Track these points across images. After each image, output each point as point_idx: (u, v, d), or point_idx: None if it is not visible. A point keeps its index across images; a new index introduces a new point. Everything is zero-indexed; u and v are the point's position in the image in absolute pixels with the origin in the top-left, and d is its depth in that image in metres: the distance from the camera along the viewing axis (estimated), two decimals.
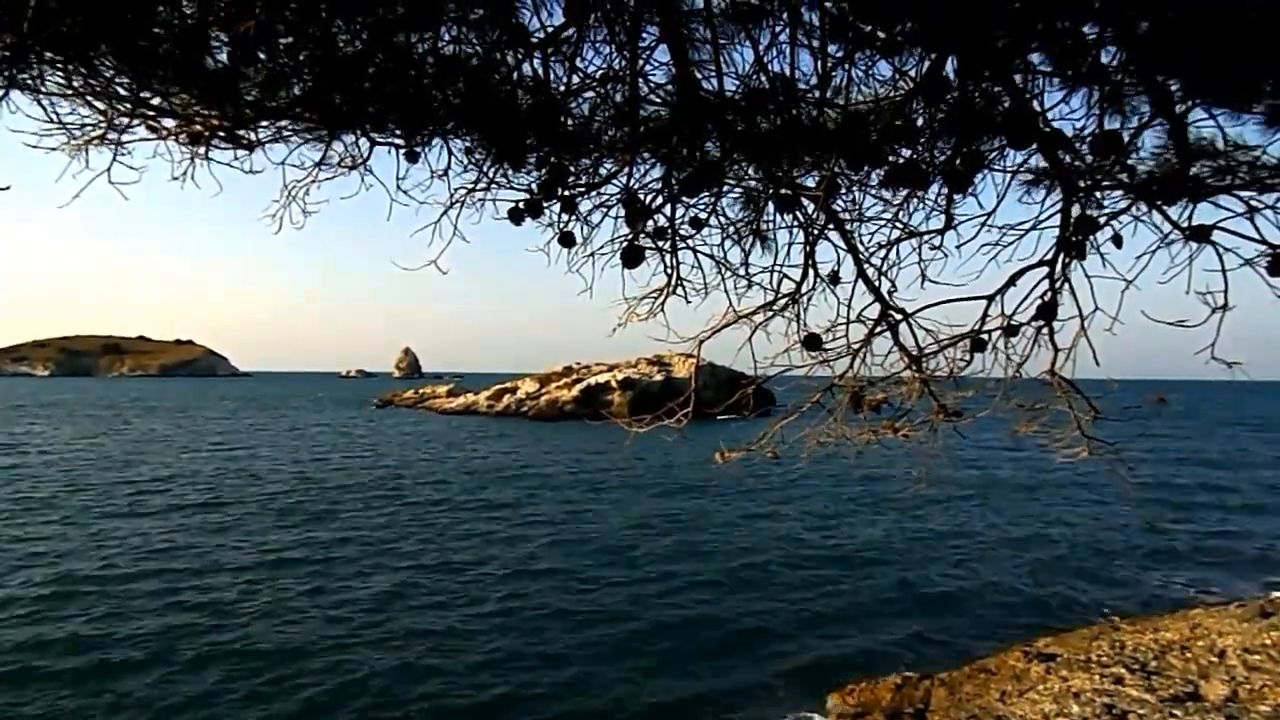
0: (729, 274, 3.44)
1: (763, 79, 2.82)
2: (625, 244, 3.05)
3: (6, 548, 15.12)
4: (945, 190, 3.09)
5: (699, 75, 2.77)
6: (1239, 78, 2.22)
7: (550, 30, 2.60)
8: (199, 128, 2.24)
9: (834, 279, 3.31)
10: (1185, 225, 2.78)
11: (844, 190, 3.25)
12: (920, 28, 2.51)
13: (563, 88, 2.78)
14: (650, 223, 3.24)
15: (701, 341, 3.35)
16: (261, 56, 2.22)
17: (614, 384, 52.34)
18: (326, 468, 28.60)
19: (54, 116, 2.05)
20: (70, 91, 1.97)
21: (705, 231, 3.37)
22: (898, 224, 3.29)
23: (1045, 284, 3.05)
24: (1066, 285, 3.04)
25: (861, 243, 3.29)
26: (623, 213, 3.12)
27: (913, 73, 2.76)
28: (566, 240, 3.19)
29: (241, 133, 2.37)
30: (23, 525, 17.28)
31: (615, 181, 3.15)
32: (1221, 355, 2.82)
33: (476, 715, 8.48)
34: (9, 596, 12.03)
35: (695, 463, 28.38)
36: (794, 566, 14.72)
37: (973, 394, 3.34)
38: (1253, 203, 2.63)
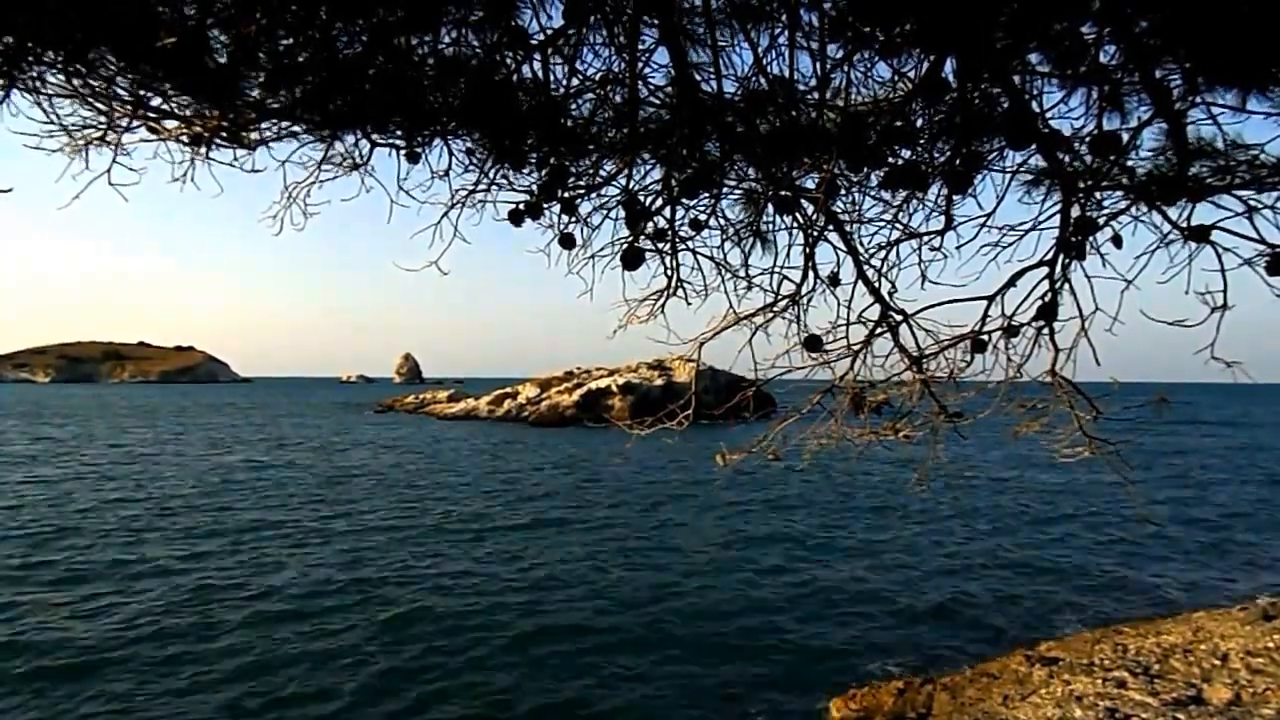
0: (729, 275, 3.44)
1: (762, 81, 2.83)
2: (625, 246, 3.06)
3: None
4: (945, 191, 3.10)
5: (698, 77, 2.78)
6: (1254, 63, 2.20)
7: (550, 32, 2.61)
8: (199, 129, 2.25)
9: (834, 280, 3.31)
10: (1184, 225, 2.78)
11: (844, 191, 3.26)
12: (919, 29, 2.51)
13: (562, 89, 2.78)
14: (650, 224, 3.24)
15: (702, 343, 3.35)
16: (262, 58, 2.23)
17: (614, 389, 52.32)
18: (324, 473, 28.60)
19: (54, 117, 2.05)
20: (70, 92, 1.98)
21: (705, 233, 3.38)
22: (897, 225, 3.30)
23: (1045, 284, 3.05)
24: (1066, 285, 3.04)
25: (861, 244, 3.29)
26: (622, 214, 3.13)
27: (912, 74, 2.77)
28: (567, 242, 3.19)
29: (242, 134, 2.38)
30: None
31: (615, 183, 3.16)
32: (1220, 356, 2.82)
33: None
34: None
35: (696, 466, 28.36)
36: (793, 571, 14.69)
37: (974, 395, 3.34)
38: (1251, 202, 2.63)
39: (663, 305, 3.41)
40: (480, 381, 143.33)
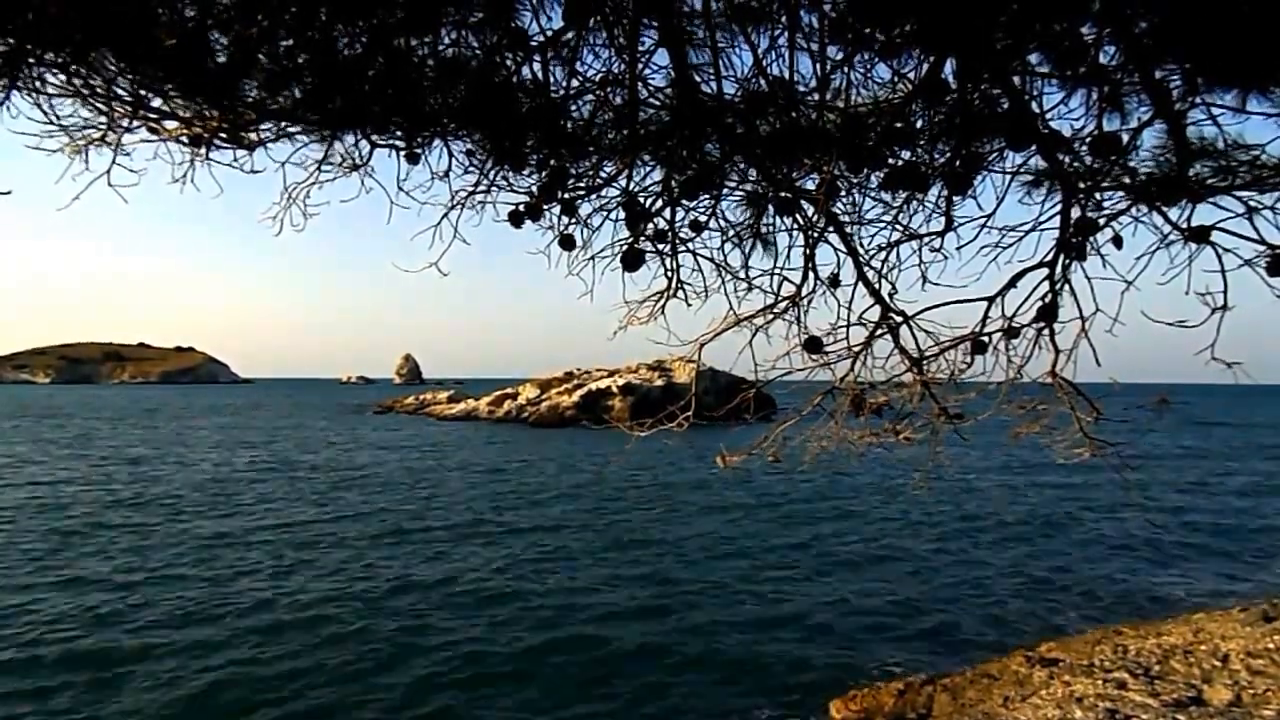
0: (729, 277, 3.44)
1: (762, 82, 2.83)
2: (625, 247, 3.05)
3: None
4: (945, 192, 3.10)
5: (698, 79, 2.78)
6: (1254, 63, 2.19)
7: (550, 34, 2.61)
8: (199, 130, 2.25)
9: (834, 281, 3.31)
10: (1184, 226, 2.78)
11: (844, 193, 3.25)
12: (919, 29, 2.51)
13: (562, 91, 2.78)
14: (650, 226, 3.24)
15: (702, 345, 3.35)
16: (262, 59, 2.22)
17: (614, 389, 52.31)
18: (325, 475, 28.59)
19: (55, 118, 2.05)
20: (71, 93, 1.98)
21: (705, 234, 3.37)
22: (898, 226, 3.29)
23: (1045, 285, 3.05)
24: (1067, 286, 3.03)
25: (861, 245, 3.29)
26: (623, 216, 3.13)
27: (912, 75, 2.77)
28: (567, 243, 3.19)
29: (242, 135, 2.38)
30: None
31: (615, 185, 3.16)
32: (1221, 356, 2.82)
33: None
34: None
35: (696, 468, 28.36)
36: (794, 572, 14.69)
37: (974, 396, 3.34)
38: (1251, 203, 2.63)
39: (663, 306, 3.41)
40: (480, 382, 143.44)
